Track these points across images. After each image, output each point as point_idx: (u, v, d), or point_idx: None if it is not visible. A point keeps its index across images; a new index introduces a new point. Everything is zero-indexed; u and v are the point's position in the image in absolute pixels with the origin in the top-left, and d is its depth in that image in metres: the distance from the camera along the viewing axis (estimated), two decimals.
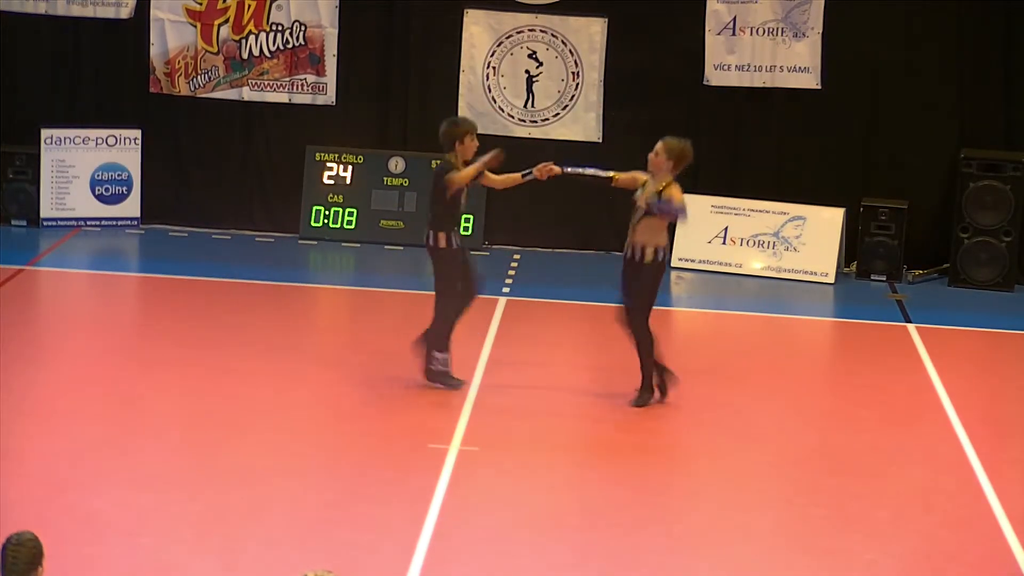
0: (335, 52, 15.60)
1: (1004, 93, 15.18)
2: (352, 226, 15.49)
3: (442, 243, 10.97)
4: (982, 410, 11.35)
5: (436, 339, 11.01)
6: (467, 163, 11.01)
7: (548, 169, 11.01)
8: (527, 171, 11.04)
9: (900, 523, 9.22)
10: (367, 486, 9.44)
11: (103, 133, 15.58)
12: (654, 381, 10.88)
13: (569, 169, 11.10)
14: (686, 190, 11.07)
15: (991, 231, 14.78)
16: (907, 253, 14.98)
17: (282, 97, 15.68)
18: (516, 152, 15.53)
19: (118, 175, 15.65)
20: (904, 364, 12.36)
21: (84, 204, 15.57)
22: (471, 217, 15.41)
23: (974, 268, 14.79)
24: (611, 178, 10.94)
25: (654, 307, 10.89)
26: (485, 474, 9.74)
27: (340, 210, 15.53)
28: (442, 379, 11.06)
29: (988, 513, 9.36)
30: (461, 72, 15.61)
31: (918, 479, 9.96)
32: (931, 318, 13.62)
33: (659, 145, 10.89)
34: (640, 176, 10.89)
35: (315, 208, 15.53)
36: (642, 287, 10.78)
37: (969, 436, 10.65)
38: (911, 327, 13.38)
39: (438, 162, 11.18)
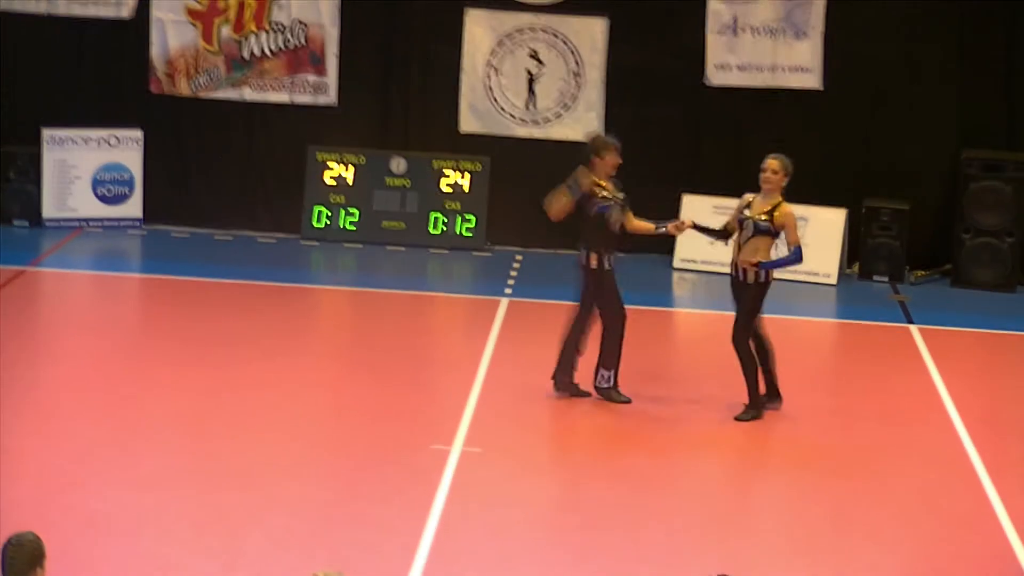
0: (336, 52, 15.59)
1: (1005, 93, 15.17)
2: (354, 227, 15.48)
3: (592, 263, 10.85)
4: (984, 411, 11.33)
5: (608, 357, 10.94)
6: (602, 179, 10.83)
7: (682, 225, 10.98)
8: (661, 225, 11.03)
9: (902, 524, 9.21)
10: (369, 486, 9.44)
11: (105, 133, 15.57)
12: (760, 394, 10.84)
13: (697, 224, 11.08)
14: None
15: (993, 232, 14.77)
16: (909, 254, 14.97)
17: (283, 97, 15.67)
18: (517, 152, 15.58)
19: (120, 175, 15.63)
20: (906, 365, 12.35)
21: (86, 204, 15.55)
22: (473, 218, 15.41)
23: (976, 269, 14.77)
24: (729, 232, 10.92)
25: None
26: (487, 475, 9.73)
27: (342, 210, 15.52)
28: (608, 395, 11.00)
29: (990, 514, 9.35)
30: (462, 72, 15.60)
31: (920, 480, 9.95)
32: (933, 319, 13.61)
33: (773, 163, 10.88)
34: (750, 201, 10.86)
35: (317, 208, 15.52)
36: (744, 306, 10.82)
37: (971, 437, 10.65)
38: (913, 328, 13.37)
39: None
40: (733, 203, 15.06)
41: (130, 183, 15.64)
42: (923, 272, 15.07)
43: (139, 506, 8.95)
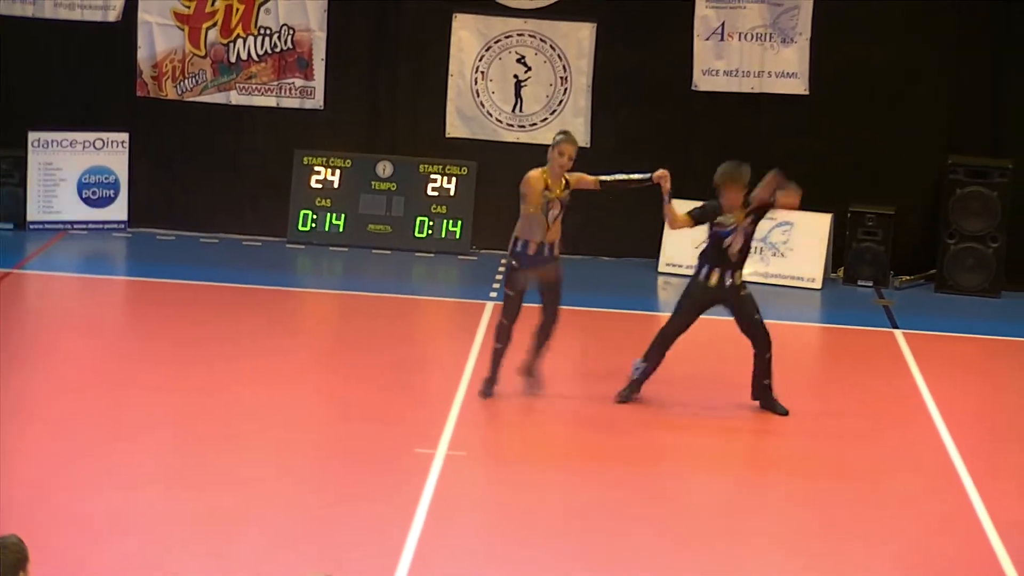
0: (323, 56, 15.59)
1: (992, 99, 15.21)
2: (340, 230, 15.48)
3: (712, 281, 11.09)
4: (969, 416, 11.36)
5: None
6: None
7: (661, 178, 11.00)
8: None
9: (889, 527, 9.24)
10: (353, 489, 9.44)
11: (90, 136, 15.55)
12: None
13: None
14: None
15: (978, 237, 14.81)
16: (894, 259, 15.01)
17: (270, 101, 15.67)
18: (504, 156, 15.58)
19: (105, 178, 15.62)
20: (891, 369, 12.38)
21: (71, 207, 15.54)
22: (460, 221, 15.42)
23: (961, 274, 14.81)
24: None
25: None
26: (471, 479, 9.74)
27: (328, 214, 15.52)
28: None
29: (973, 517, 9.37)
30: (450, 77, 15.61)
31: (905, 483, 9.97)
32: (918, 324, 13.65)
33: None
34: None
35: (303, 212, 15.52)
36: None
37: (955, 442, 10.67)
38: (898, 333, 13.40)
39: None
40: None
41: (115, 186, 15.63)
42: (908, 277, 15.10)
43: (127, 508, 8.94)
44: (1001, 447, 10.79)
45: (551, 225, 10.91)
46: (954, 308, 14.31)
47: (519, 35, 15.60)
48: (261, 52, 15.62)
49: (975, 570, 8.69)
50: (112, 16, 15.57)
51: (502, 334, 11.00)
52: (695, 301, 11.19)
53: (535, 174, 10.93)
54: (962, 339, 13.48)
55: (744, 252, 11.16)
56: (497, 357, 11.03)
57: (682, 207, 11.16)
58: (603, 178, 11.03)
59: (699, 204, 11.13)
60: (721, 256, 11.04)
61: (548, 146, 11.12)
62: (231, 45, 15.61)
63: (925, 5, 15.13)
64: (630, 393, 11.12)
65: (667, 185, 10.92)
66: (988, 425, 11.28)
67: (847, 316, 14.06)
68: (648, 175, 10.99)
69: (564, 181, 10.92)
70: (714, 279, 11.06)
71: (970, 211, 14.81)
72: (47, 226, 15.46)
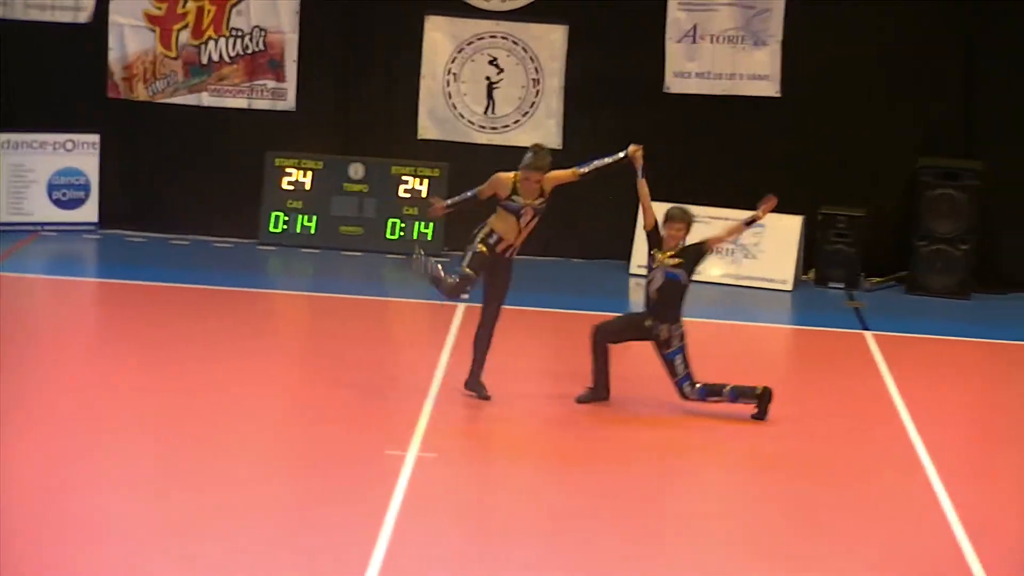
0: (295, 58, 15.58)
1: (964, 102, 15.28)
2: (312, 232, 15.46)
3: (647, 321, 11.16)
4: (938, 417, 11.41)
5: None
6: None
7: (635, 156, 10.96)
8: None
9: (858, 527, 9.26)
10: (324, 491, 9.42)
11: (61, 138, 15.50)
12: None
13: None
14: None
15: (948, 239, 14.87)
16: (865, 261, 15.06)
17: (241, 103, 15.64)
18: (476, 158, 15.59)
19: (76, 180, 15.57)
20: (861, 371, 12.42)
21: (41, 209, 15.49)
22: (432, 223, 15.41)
23: (931, 276, 14.88)
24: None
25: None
26: (443, 481, 9.73)
27: (300, 216, 15.50)
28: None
29: (941, 516, 9.41)
30: (422, 78, 15.61)
31: (876, 485, 10.00)
32: (888, 325, 13.70)
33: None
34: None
35: (274, 214, 15.50)
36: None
37: (925, 442, 10.72)
38: (868, 334, 13.45)
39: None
40: (692, 210, 15.18)
41: (86, 187, 15.59)
42: (878, 279, 15.16)
43: (95, 511, 8.91)
44: (970, 448, 10.84)
45: (522, 230, 10.91)
46: (924, 310, 14.37)
47: (491, 37, 15.61)
48: (233, 54, 15.60)
49: (944, 570, 8.72)
50: (83, 17, 15.52)
51: (459, 287, 10.90)
52: (633, 320, 11.10)
53: (505, 176, 10.93)
54: (932, 341, 13.54)
55: (666, 299, 10.83)
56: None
57: (654, 210, 11.17)
58: (580, 170, 11.03)
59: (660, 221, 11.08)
60: (646, 294, 10.98)
61: (520, 148, 11.14)
62: (203, 47, 15.58)
63: (897, 7, 15.20)
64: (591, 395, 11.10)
65: (640, 161, 10.95)
66: (958, 426, 11.33)
67: (818, 318, 14.10)
68: (623, 154, 11.01)
69: (539, 190, 10.90)
70: (648, 320, 10.98)
71: (940, 213, 14.88)
72: (17, 227, 15.41)
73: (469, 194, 11.06)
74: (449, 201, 11.27)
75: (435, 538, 8.87)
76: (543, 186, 10.90)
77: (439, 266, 10.97)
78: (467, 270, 10.86)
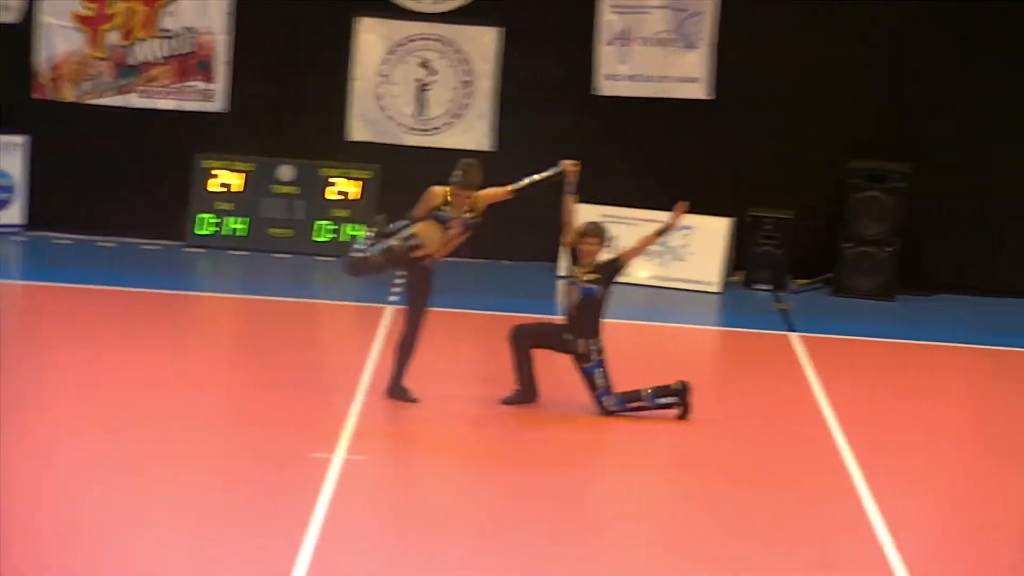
0: (226, 59, 15.52)
1: (892, 104, 15.43)
2: (243, 234, 15.42)
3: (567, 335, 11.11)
4: (862, 417, 11.51)
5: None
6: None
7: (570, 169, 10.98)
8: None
9: (782, 528, 9.34)
10: (249, 494, 9.39)
11: None
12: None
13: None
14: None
15: (874, 241, 15.02)
16: (793, 263, 15.18)
17: (170, 104, 15.57)
18: (407, 160, 15.59)
19: (2, 181, 15.45)
20: (787, 372, 12.53)
21: None
22: (362, 226, 15.40)
23: (856, 278, 15.02)
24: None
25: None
26: (370, 483, 9.73)
27: (229, 218, 15.45)
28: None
29: (867, 520, 9.50)
30: (353, 80, 15.60)
31: (800, 486, 10.08)
32: (814, 327, 13.82)
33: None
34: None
35: (201, 216, 15.44)
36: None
37: (849, 443, 10.81)
38: (794, 336, 13.55)
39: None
40: (620, 212, 15.30)
41: (12, 189, 15.46)
42: (805, 280, 15.28)
43: (16, 511, 8.84)
44: (894, 448, 10.95)
45: (447, 242, 10.91)
46: (849, 311, 14.51)
47: (424, 39, 15.62)
48: (163, 55, 15.52)
49: (868, 570, 8.81)
50: (11, 17, 15.41)
51: (359, 268, 10.85)
52: (550, 329, 11.12)
53: (438, 190, 10.91)
54: (857, 342, 13.67)
55: (583, 314, 10.81)
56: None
57: (582, 213, 11.21)
58: (513, 187, 11.03)
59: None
60: (565, 308, 11.00)
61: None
62: (132, 48, 15.50)
63: (829, 8, 15.33)
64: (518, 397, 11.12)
65: (573, 177, 10.96)
66: (882, 426, 11.44)
67: (745, 320, 14.20)
68: (558, 169, 11.02)
69: (471, 205, 10.90)
70: (567, 334, 11.01)
71: (867, 215, 15.03)
72: None
73: (406, 222, 10.96)
74: (392, 227, 11.13)
75: (363, 540, 8.86)
76: (476, 203, 10.90)
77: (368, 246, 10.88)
78: (372, 257, 10.79)
